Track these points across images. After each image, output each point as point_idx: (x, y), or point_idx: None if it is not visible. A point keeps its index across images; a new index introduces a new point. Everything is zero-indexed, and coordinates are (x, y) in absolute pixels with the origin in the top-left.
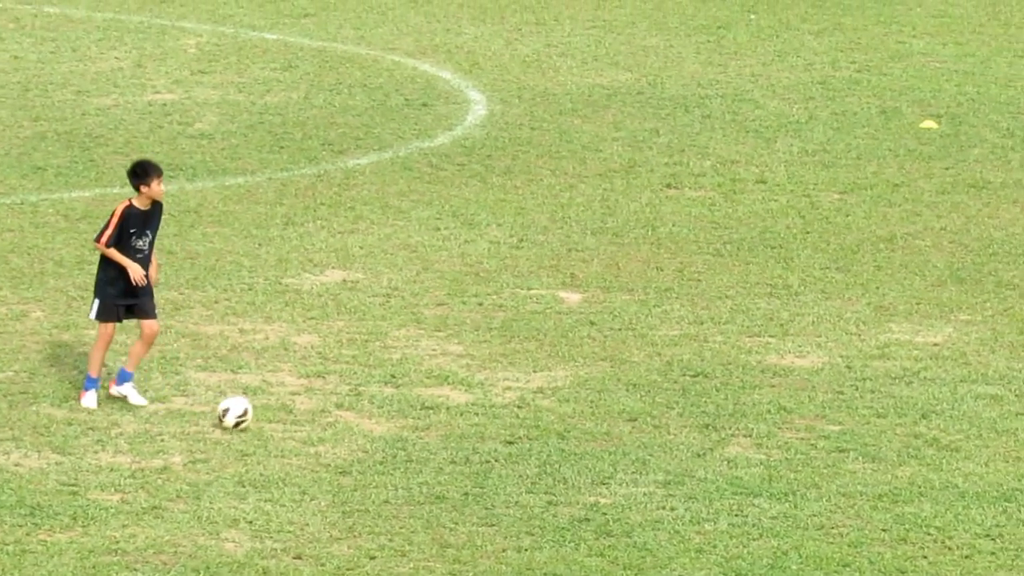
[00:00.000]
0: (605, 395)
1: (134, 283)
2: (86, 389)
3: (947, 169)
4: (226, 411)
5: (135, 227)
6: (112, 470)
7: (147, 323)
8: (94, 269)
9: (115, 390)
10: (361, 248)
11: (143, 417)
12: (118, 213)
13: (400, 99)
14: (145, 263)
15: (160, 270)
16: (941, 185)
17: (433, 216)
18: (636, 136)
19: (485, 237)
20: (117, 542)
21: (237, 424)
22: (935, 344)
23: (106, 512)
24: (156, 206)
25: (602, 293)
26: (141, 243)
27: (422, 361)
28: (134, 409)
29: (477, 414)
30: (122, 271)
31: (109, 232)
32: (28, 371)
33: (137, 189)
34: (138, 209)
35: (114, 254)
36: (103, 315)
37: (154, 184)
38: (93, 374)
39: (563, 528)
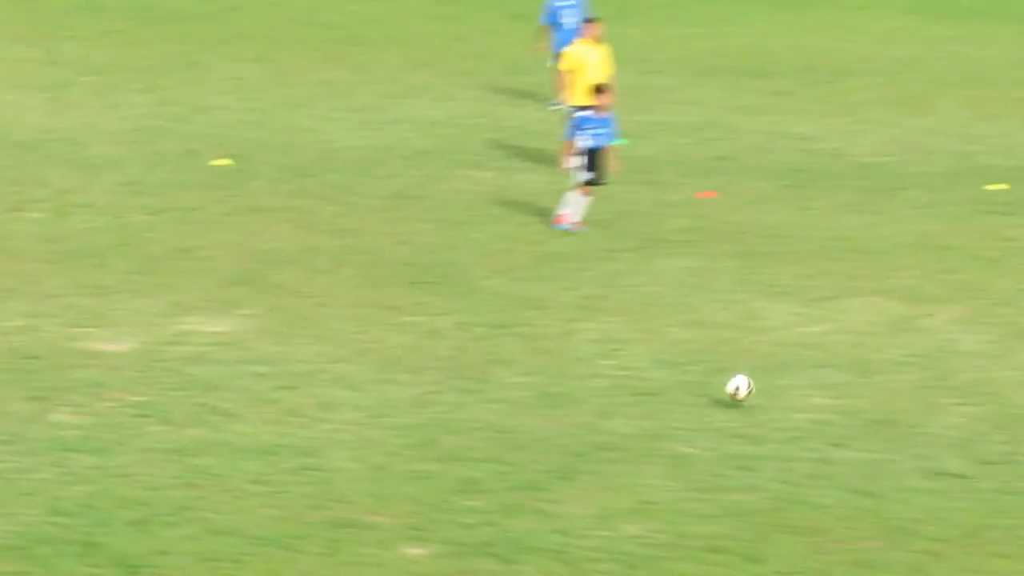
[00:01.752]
0: None
1: None
2: None
3: (235, 197)
4: (737, 388)
5: None
6: None
7: None
8: None
9: None
10: None
11: None
12: None
13: None
14: None
15: None
16: (230, 208)
17: None
18: None
19: None
20: None
21: (748, 395)
22: (220, 333)
23: None
24: None
25: None
26: None
27: None
28: None
29: None
30: None
31: None
32: None
33: None
34: None
35: None
36: None
37: None
38: None
39: None
